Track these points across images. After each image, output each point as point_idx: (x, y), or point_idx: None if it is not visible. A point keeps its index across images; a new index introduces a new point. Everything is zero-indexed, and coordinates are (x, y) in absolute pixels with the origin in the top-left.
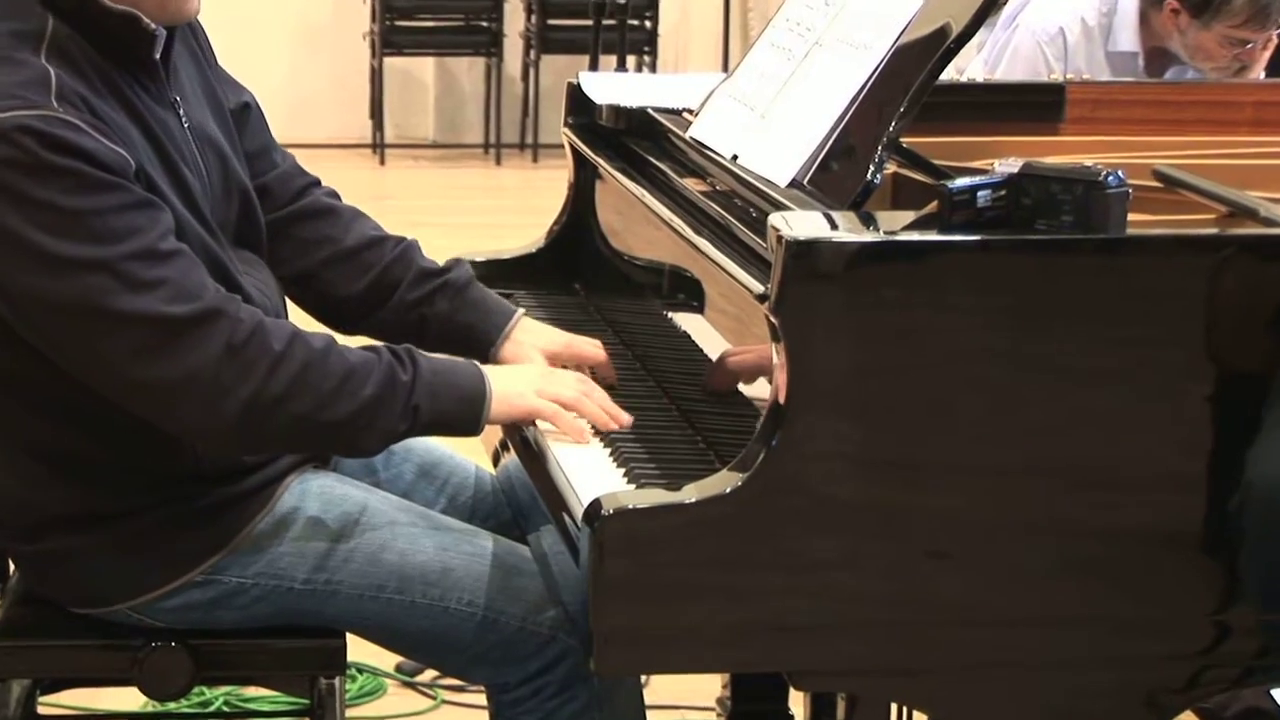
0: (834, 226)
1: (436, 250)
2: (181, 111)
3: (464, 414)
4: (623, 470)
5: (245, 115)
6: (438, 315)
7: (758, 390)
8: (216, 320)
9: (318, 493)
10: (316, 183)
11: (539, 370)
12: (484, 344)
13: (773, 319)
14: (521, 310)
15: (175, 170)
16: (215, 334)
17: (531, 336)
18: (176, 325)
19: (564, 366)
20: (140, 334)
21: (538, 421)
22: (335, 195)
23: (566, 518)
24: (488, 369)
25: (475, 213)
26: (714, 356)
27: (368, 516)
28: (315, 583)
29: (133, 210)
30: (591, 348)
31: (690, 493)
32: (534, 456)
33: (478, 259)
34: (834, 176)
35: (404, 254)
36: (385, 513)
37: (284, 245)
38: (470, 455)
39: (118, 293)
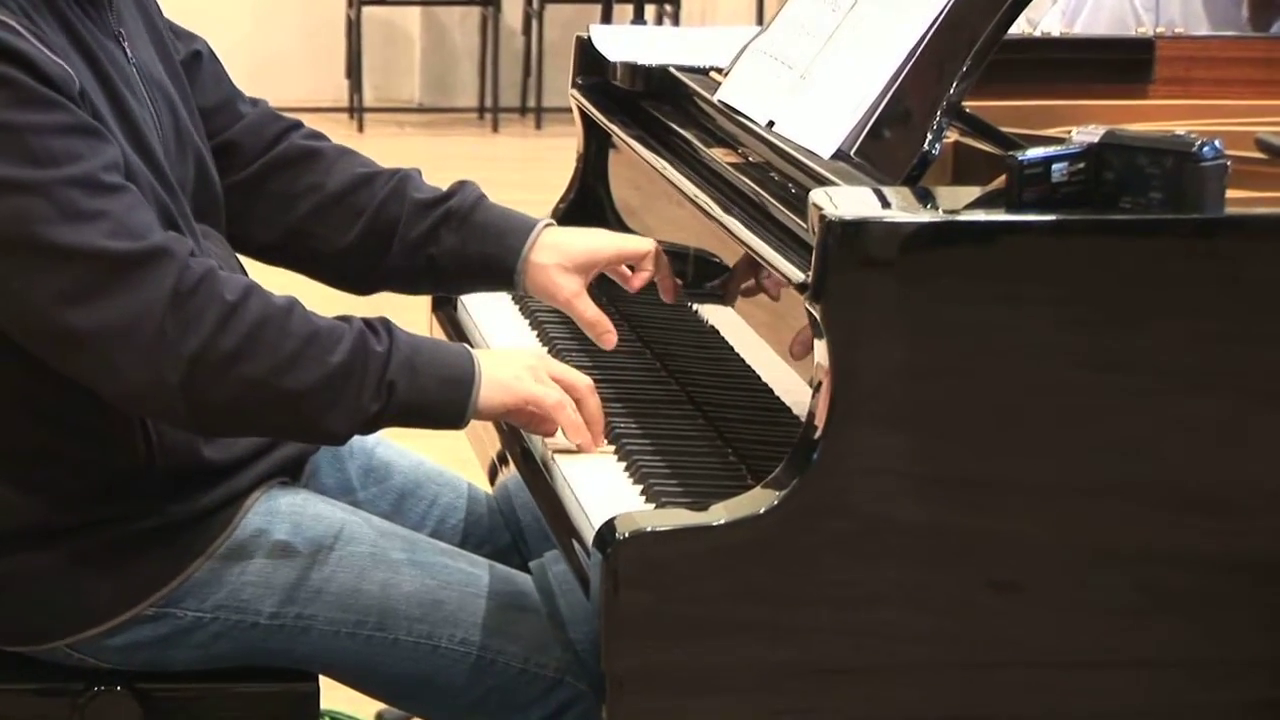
0: (885, 204)
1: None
2: (126, 46)
3: (447, 398)
4: (640, 487)
5: (197, 65)
6: (448, 252)
7: (797, 396)
8: (163, 261)
9: (287, 512)
10: (295, 126)
11: (538, 355)
12: (506, 275)
13: (814, 312)
14: (545, 221)
15: (122, 104)
16: (161, 276)
17: (558, 255)
18: (118, 263)
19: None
20: (76, 271)
21: (543, 438)
22: (319, 136)
23: (575, 542)
24: (479, 352)
25: None
26: (745, 354)
27: (345, 540)
28: (284, 617)
29: (75, 134)
30: (641, 246)
31: (718, 513)
32: (537, 471)
33: None
34: (886, 146)
35: (398, 188)
36: (365, 536)
37: (262, 203)
38: (462, 471)
39: (53, 222)
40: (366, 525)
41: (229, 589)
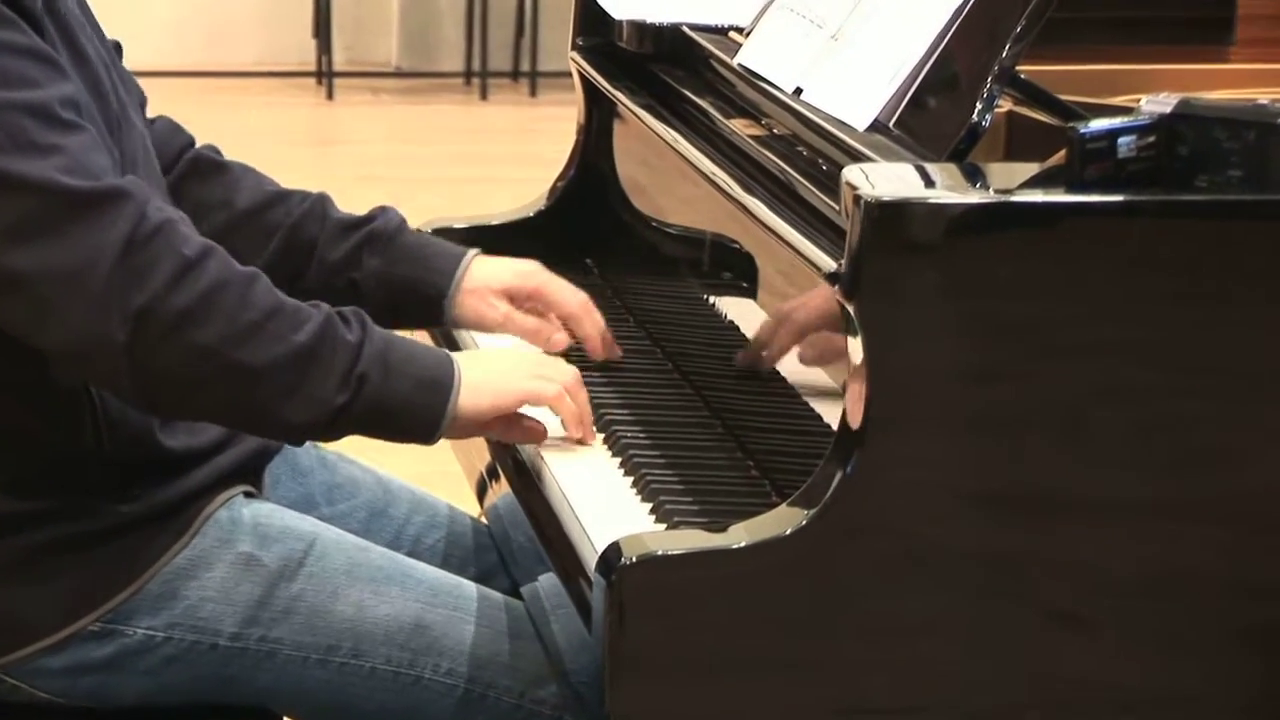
0: (929, 183)
1: (404, 214)
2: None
3: (422, 402)
4: (649, 505)
5: (119, 55)
6: (371, 275)
7: (828, 401)
8: (120, 204)
9: (252, 522)
10: (193, 141)
11: (518, 352)
12: (434, 301)
13: (848, 305)
14: (475, 251)
15: (75, 44)
16: (116, 219)
17: (489, 281)
18: (71, 200)
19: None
20: (23, 204)
21: (538, 445)
22: (217, 151)
23: (574, 567)
24: (461, 355)
25: (453, 163)
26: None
27: (317, 555)
28: (246, 639)
29: (30, 58)
30: (566, 302)
31: (738, 535)
32: (531, 486)
33: (456, 225)
34: (929, 117)
35: (314, 207)
36: (339, 551)
37: None
38: (444, 490)
39: (1, 149)
40: (341, 540)
41: (185, 605)
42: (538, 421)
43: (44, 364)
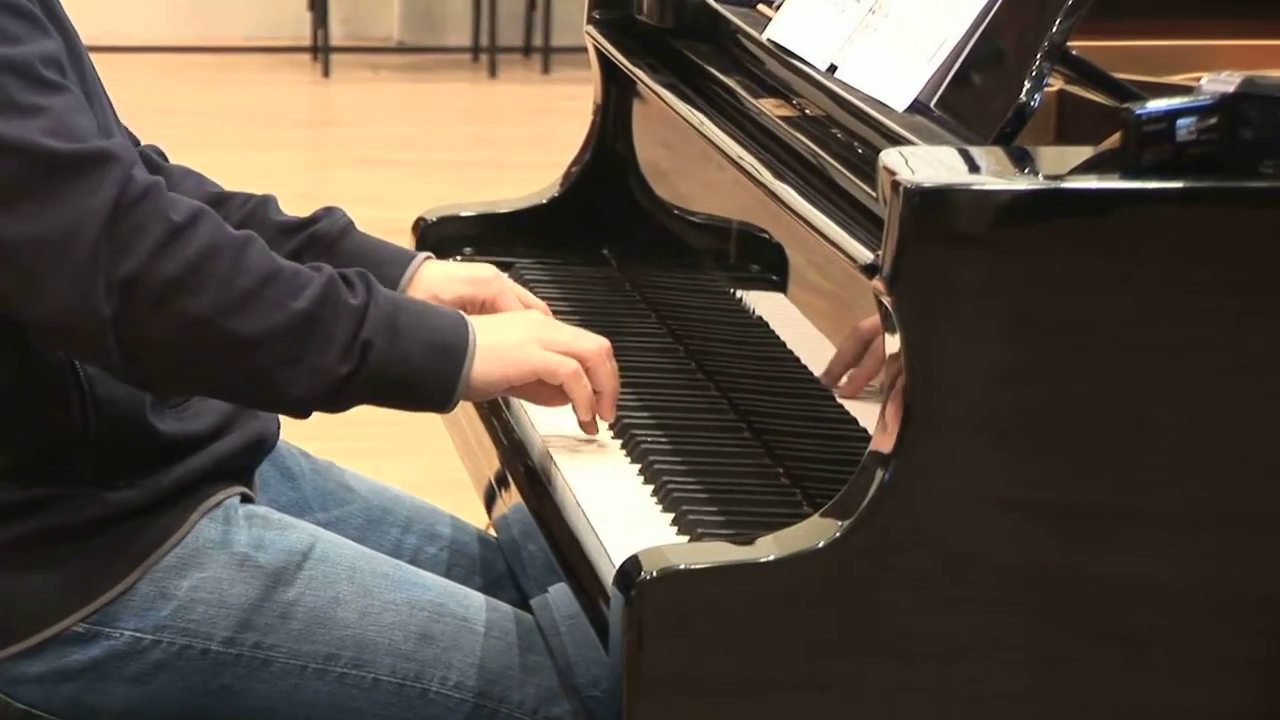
0: (974, 168)
1: (403, 202)
2: None
3: (434, 368)
4: (671, 516)
5: None
6: None
7: (864, 404)
8: (106, 167)
9: (248, 521)
10: (137, 141)
11: (538, 315)
12: None
13: (885, 300)
14: (424, 255)
15: (50, 4)
16: (102, 184)
17: (438, 286)
18: (54, 164)
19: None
20: (4, 169)
21: (551, 450)
22: (160, 154)
23: (589, 581)
24: (476, 318)
25: (459, 146)
26: (801, 352)
27: (317, 558)
28: (240, 645)
29: (9, 12)
30: (528, 302)
31: (767, 548)
32: (543, 495)
33: (462, 212)
34: (974, 96)
35: (255, 210)
36: (341, 555)
37: None
38: (454, 500)
39: None
40: (342, 544)
41: (176, 605)
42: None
43: (25, 339)
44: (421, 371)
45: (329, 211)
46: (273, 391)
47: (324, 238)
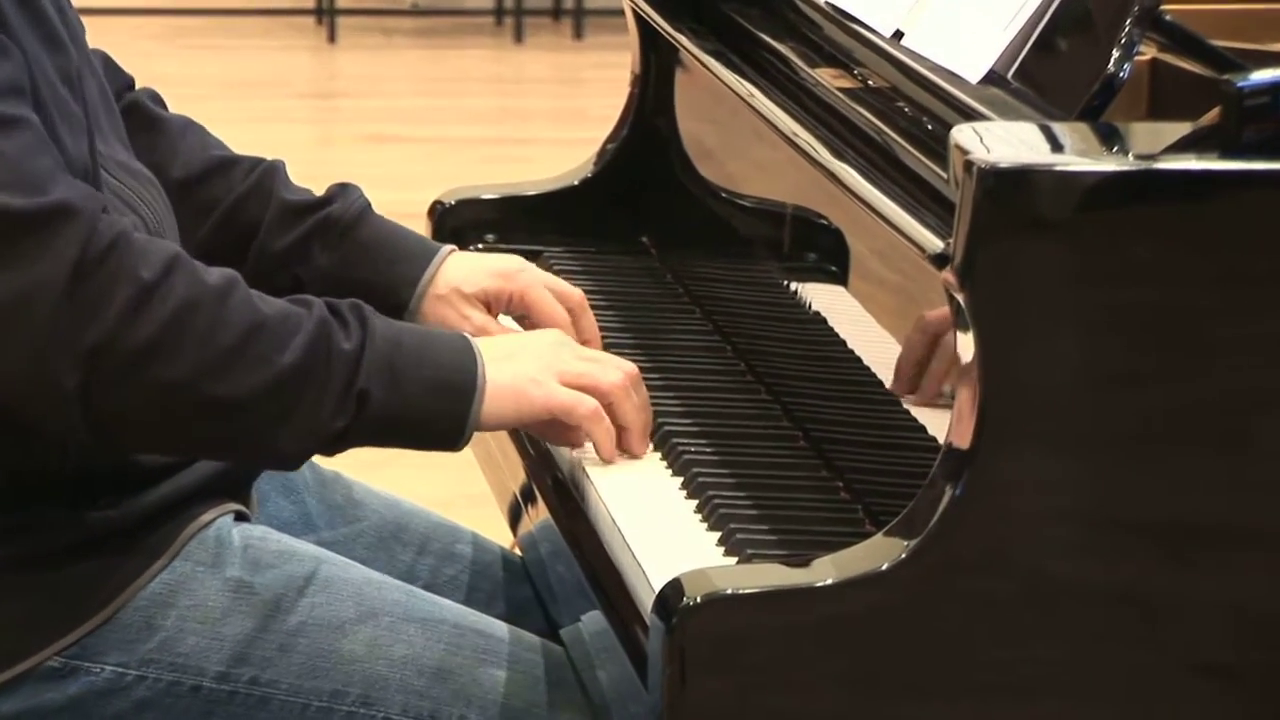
0: (1056, 146)
1: (417, 183)
2: None
3: (440, 411)
4: (718, 535)
5: None
6: (320, 273)
7: (934, 409)
8: (66, 222)
9: (243, 543)
10: (131, 83)
11: (555, 337)
12: (393, 313)
13: (957, 295)
14: (448, 249)
15: (41, 14)
16: (61, 244)
17: (461, 282)
18: (8, 224)
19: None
20: None
21: (583, 461)
22: (157, 100)
23: (627, 608)
24: (479, 341)
25: (480, 121)
26: (863, 351)
27: (320, 584)
28: (235, 681)
29: None
30: (551, 314)
31: (825, 570)
32: (574, 511)
33: (484, 195)
34: (1056, 66)
35: (262, 183)
36: (347, 580)
37: None
38: (474, 517)
39: None
40: (348, 567)
41: (163, 637)
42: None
43: None
44: (425, 415)
45: (344, 190)
46: (260, 451)
47: (337, 223)
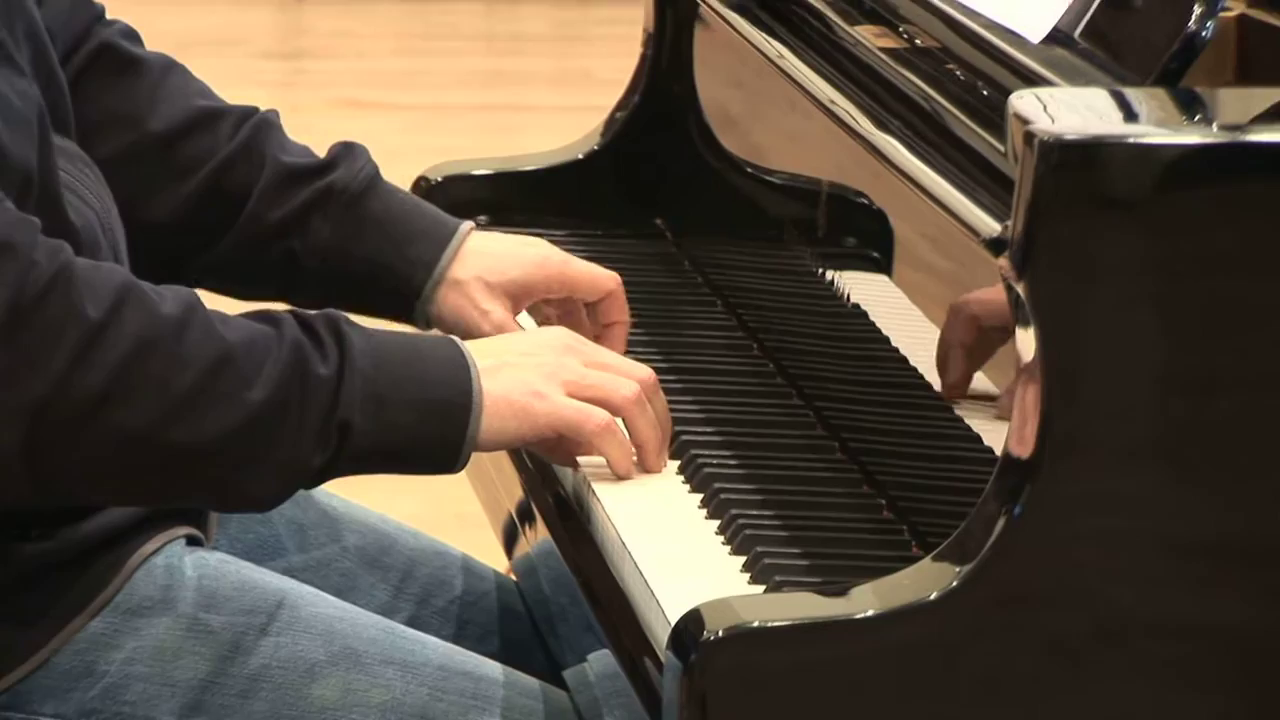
0: (1130, 115)
1: (398, 156)
2: None
3: (432, 436)
4: (742, 559)
5: None
6: (320, 249)
7: (990, 414)
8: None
9: (197, 575)
10: (102, 12)
11: (559, 338)
12: (403, 299)
13: (1017, 285)
14: (468, 226)
15: None
16: None
17: (483, 268)
18: None
19: (547, 319)
20: None
21: (588, 475)
22: (132, 37)
23: (638, 642)
24: (473, 345)
25: (469, 85)
26: (908, 349)
27: (286, 620)
28: None
29: None
30: (599, 280)
31: (865, 600)
32: (579, 531)
33: (476, 171)
34: (1129, 23)
35: (254, 140)
36: (320, 614)
37: None
38: (464, 539)
39: None
40: (317, 600)
41: (106, 684)
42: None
43: None
44: (415, 442)
45: (349, 152)
46: (230, 496)
47: (342, 193)
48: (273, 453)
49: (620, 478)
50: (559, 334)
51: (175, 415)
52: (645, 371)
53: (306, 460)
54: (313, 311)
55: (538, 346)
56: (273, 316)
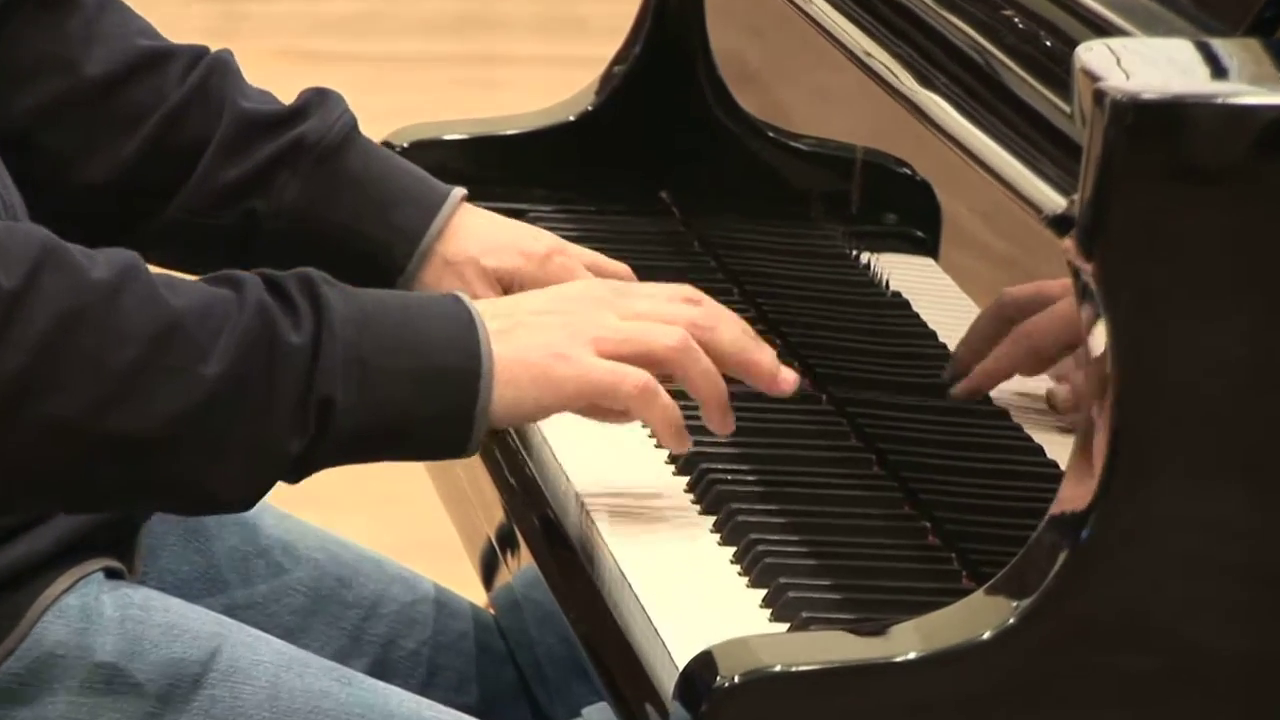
0: (1218, 71)
1: (367, 120)
2: None
3: (434, 411)
4: (762, 593)
5: None
6: (282, 210)
7: (1054, 422)
8: None
9: (119, 616)
10: None
11: (589, 289)
12: (383, 273)
13: (1085, 268)
14: (460, 194)
15: None
16: None
17: (481, 248)
18: None
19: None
20: None
21: (581, 494)
22: None
23: (638, 688)
24: (482, 304)
25: (441, 32)
26: (955, 344)
27: (223, 671)
28: None
29: None
30: (618, 271)
31: (907, 640)
32: (570, 561)
33: (448, 136)
34: None
35: (208, 84)
36: (263, 664)
37: None
38: (434, 568)
39: None
40: (261, 645)
41: None
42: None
43: None
44: (414, 421)
45: (322, 100)
46: (192, 495)
47: (314, 146)
48: (238, 438)
49: (674, 449)
50: (588, 286)
51: (113, 398)
52: (698, 305)
53: (281, 446)
54: (277, 272)
55: (560, 301)
56: (233, 278)
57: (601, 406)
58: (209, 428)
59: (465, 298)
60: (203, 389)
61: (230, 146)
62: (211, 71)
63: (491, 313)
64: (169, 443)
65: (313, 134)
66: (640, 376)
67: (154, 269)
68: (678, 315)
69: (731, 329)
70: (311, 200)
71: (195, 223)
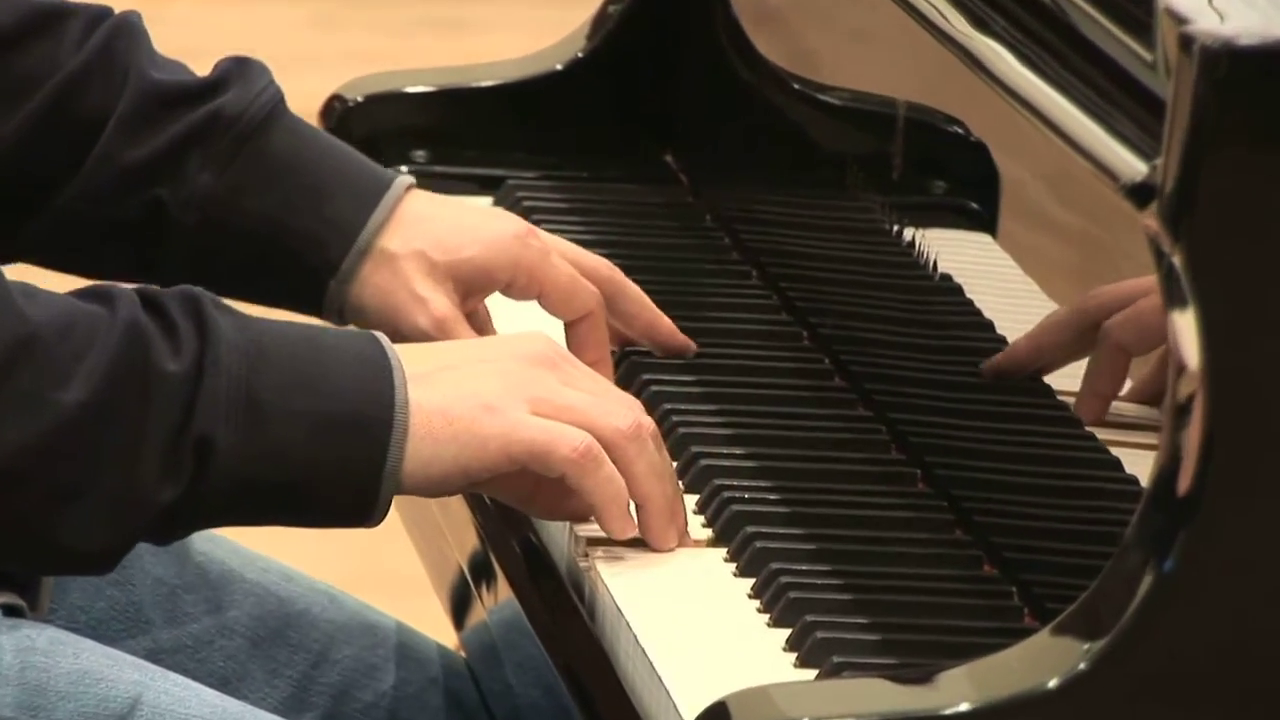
0: None
1: (299, 67)
2: None
3: (332, 465)
4: (785, 633)
5: None
6: (195, 199)
7: (1131, 432)
8: None
9: (20, 660)
10: None
11: (533, 344)
12: (313, 276)
13: (1168, 250)
14: (406, 182)
15: None
16: None
17: (428, 242)
18: None
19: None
20: None
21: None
22: None
23: None
24: (403, 349)
25: None
26: (1015, 336)
27: None
28: None
29: None
30: (576, 293)
31: (957, 689)
32: (558, 597)
33: (410, 89)
34: None
35: (110, 49)
36: (188, 718)
37: None
38: (393, 602)
39: None
40: (188, 698)
41: None
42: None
43: None
44: (310, 472)
45: (243, 70)
46: (38, 547)
47: (233, 124)
48: (97, 480)
49: (614, 534)
50: (534, 340)
51: None
52: (642, 414)
53: (148, 492)
54: (163, 290)
55: (498, 352)
56: (105, 292)
57: (532, 484)
58: (63, 466)
59: (383, 338)
60: (57, 418)
61: (133, 123)
62: (115, 34)
63: (414, 356)
64: (13, 478)
65: (230, 109)
66: (581, 438)
67: (24, 274)
68: (632, 407)
69: (666, 459)
70: (230, 189)
71: (90, 215)
